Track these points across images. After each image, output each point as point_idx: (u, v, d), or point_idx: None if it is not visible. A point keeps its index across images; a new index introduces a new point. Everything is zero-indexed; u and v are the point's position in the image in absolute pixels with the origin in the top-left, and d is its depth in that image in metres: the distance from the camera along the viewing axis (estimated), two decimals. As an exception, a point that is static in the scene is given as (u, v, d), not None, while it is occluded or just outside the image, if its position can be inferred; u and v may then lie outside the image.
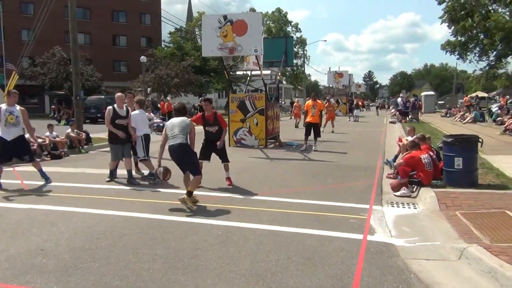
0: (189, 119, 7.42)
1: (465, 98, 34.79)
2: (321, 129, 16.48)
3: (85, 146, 14.10)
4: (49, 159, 12.13)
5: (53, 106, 34.37)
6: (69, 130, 13.92)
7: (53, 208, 6.59)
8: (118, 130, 8.51)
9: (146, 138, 8.97)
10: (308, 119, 14.06)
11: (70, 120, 21.61)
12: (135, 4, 53.31)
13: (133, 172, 8.92)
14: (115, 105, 8.73)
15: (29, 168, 10.68)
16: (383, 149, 13.79)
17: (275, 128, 16.31)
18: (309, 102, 14.33)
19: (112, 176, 8.87)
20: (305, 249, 4.82)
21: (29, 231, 5.46)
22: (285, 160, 11.95)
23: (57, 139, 13.03)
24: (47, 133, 12.93)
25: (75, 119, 16.39)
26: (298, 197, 7.32)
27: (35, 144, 11.92)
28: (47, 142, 12.59)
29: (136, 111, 9.02)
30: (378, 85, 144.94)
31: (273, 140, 15.85)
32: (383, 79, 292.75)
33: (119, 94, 8.98)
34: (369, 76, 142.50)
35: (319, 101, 14.55)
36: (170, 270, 4.23)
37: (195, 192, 6.78)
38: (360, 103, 41.25)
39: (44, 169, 10.51)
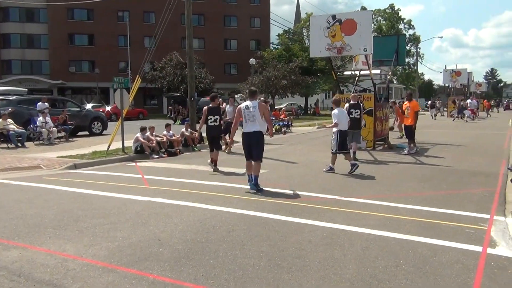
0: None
1: None
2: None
3: (197, 145, 14.96)
4: (166, 156, 13.09)
5: (170, 107, 37.12)
6: (184, 129, 14.93)
7: (169, 202, 7.10)
8: None
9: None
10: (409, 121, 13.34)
11: (185, 120, 22.94)
12: (245, 8, 55.31)
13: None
14: None
15: (148, 163, 11.66)
16: (508, 154, 12.51)
17: (384, 129, 15.68)
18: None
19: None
20: (416, 257, 4.55)
21: (147, 222, 5.94)
22: (394, 163, 11.43)
23: (173, 137, 14.00)
24: (165, 132, 13.96)
25: (189, 119, 17.49)
26: (407, 202, 6.95)
27: (154, 142, 12.98)
28: (164, 140, 13.60)
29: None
30: (502, 84, 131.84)
31: (381, 142, 15.28)
32: (509, 77, 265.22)
33: None
34: (491, 74, 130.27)
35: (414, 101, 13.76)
36: (275, 268, 4.29)
37: (307, 193, 6.72)
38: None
39: (162, 165, 11.45)
